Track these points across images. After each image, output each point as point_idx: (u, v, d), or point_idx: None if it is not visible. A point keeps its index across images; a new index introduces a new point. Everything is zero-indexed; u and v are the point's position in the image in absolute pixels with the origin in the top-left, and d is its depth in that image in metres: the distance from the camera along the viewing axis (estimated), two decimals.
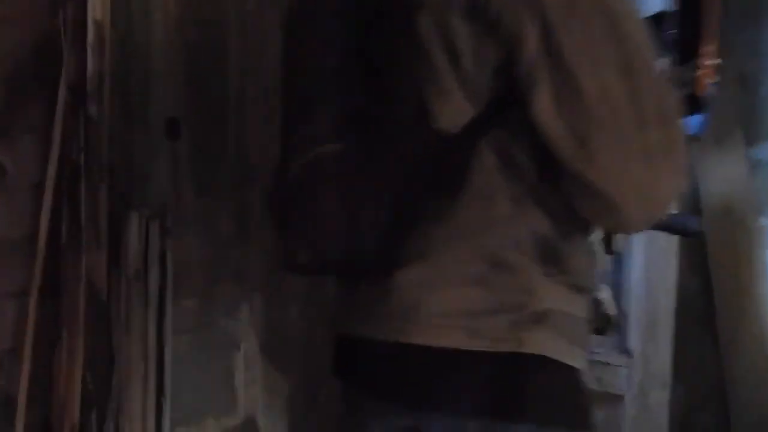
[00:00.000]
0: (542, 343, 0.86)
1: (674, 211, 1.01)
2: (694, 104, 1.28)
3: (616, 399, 1.44)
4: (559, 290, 0.89)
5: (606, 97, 0.81)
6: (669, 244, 1.64)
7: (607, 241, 0.95)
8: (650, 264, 1.58)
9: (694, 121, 1.28)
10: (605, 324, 0.97)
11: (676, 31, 1.34)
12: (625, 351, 1.47)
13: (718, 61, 1.35)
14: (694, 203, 1.93)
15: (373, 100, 0.91)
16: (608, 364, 1.47)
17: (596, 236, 0.96)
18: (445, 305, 0.87)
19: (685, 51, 1.33)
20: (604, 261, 0.98)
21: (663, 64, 0.88)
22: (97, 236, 1.59)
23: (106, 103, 1.54)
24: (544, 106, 0.82)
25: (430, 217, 0.88)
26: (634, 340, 1.48)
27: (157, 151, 1.81)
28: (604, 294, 0.98)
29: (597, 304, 0.96)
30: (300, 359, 2.08)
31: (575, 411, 0.90)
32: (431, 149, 0.87)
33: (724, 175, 1.87)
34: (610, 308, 0.98)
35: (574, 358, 0.89)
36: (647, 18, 1.02)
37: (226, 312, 1.96)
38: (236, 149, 2.02)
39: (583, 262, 0.91)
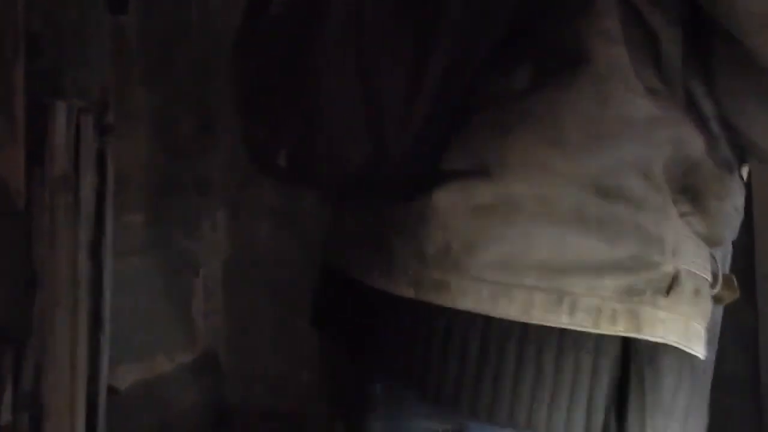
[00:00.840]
0: (671, 325, 0.59)
1: None
2: None
3: None
4: (691, 239, 0.61)
5: None
6: None
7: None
8: None
9: None
10: (728, 291, 0.65)
11: None
12: None
13: None
14: None
15: None
16: None
17: None
18: (516, 250, 0.58)
19: None
20: None
21: None
22: (12, 128, 1.31)
23: None
24: None
25: (500, 109, 0.59)
26: None
27: (96, 27, 1.52)
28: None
29: (715, 261, 0.68)
30: (271, 284, 1.81)
31: (699, 418, 0.63)
32: None
33: None
34: (726, 266, 0.68)
35: (703, 344, 0.62)
36: None
37: (183, 229, 1.72)
38: (201, 26, 1.77)
39: (729, 203, 0.65)
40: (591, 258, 0.58)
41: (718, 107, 0.61)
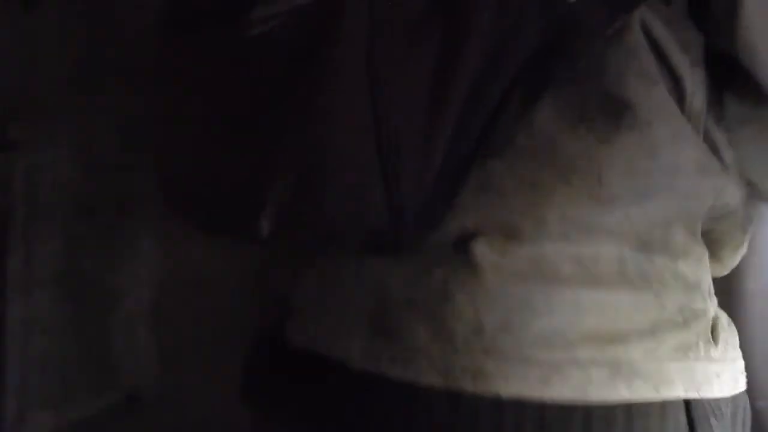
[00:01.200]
0: (725, 377, 0.60)
1: None
2: None
3: None
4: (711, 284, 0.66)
5: None
6: None
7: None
8: None
9: None
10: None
11: None
12: None
13: None
14: None
15: None
16: None
17: None
18: (562, 321, 0.54)
19: None
20: None
21: None
22: None
23: None
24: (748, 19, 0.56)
25: (527, 157, 0.56)
26: None
27: (3, 25, 1.34)
28: None
29: None
30: (206, 318, 1.64)
31: None
32: (542, 22, 0.52)
33: None
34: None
35: (743, 374, 0.66)
36: None
37: (104, 257, 1.53)
38: (131, 25, 1.58)
39: (739, 255, 0.69)
40: (643, 318, 0.56)
41: (738, 157, 0.61)
